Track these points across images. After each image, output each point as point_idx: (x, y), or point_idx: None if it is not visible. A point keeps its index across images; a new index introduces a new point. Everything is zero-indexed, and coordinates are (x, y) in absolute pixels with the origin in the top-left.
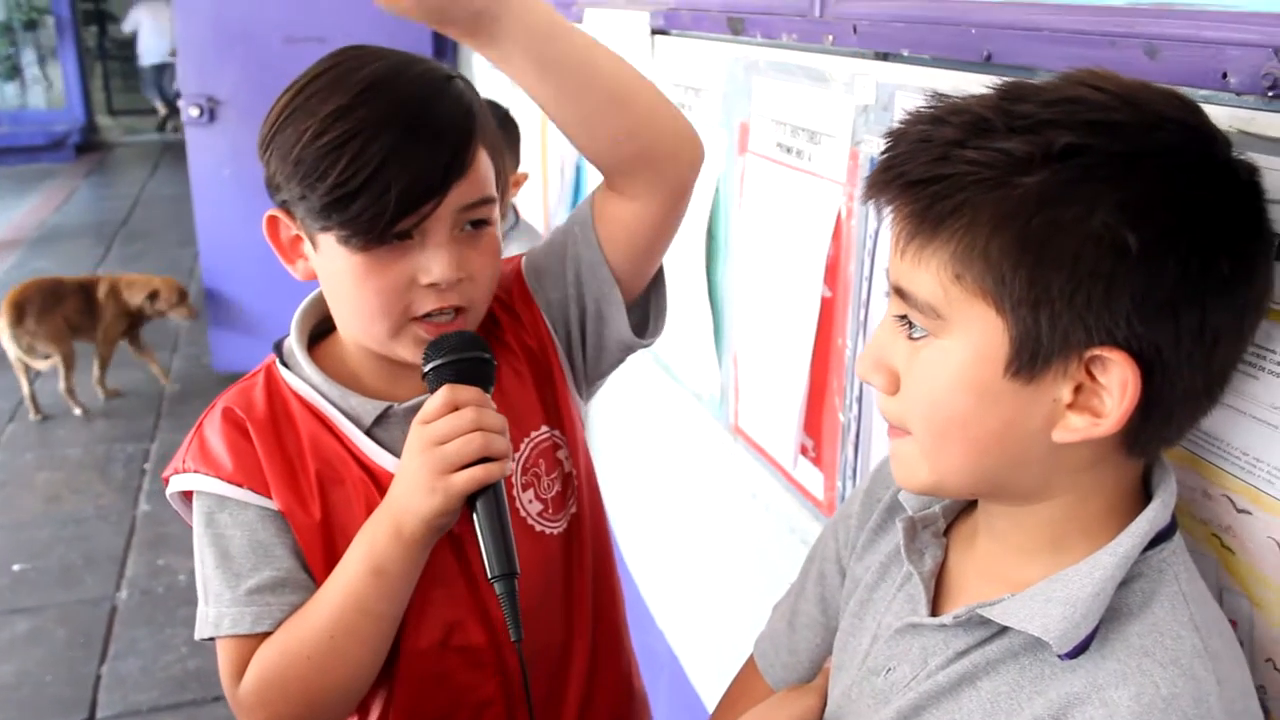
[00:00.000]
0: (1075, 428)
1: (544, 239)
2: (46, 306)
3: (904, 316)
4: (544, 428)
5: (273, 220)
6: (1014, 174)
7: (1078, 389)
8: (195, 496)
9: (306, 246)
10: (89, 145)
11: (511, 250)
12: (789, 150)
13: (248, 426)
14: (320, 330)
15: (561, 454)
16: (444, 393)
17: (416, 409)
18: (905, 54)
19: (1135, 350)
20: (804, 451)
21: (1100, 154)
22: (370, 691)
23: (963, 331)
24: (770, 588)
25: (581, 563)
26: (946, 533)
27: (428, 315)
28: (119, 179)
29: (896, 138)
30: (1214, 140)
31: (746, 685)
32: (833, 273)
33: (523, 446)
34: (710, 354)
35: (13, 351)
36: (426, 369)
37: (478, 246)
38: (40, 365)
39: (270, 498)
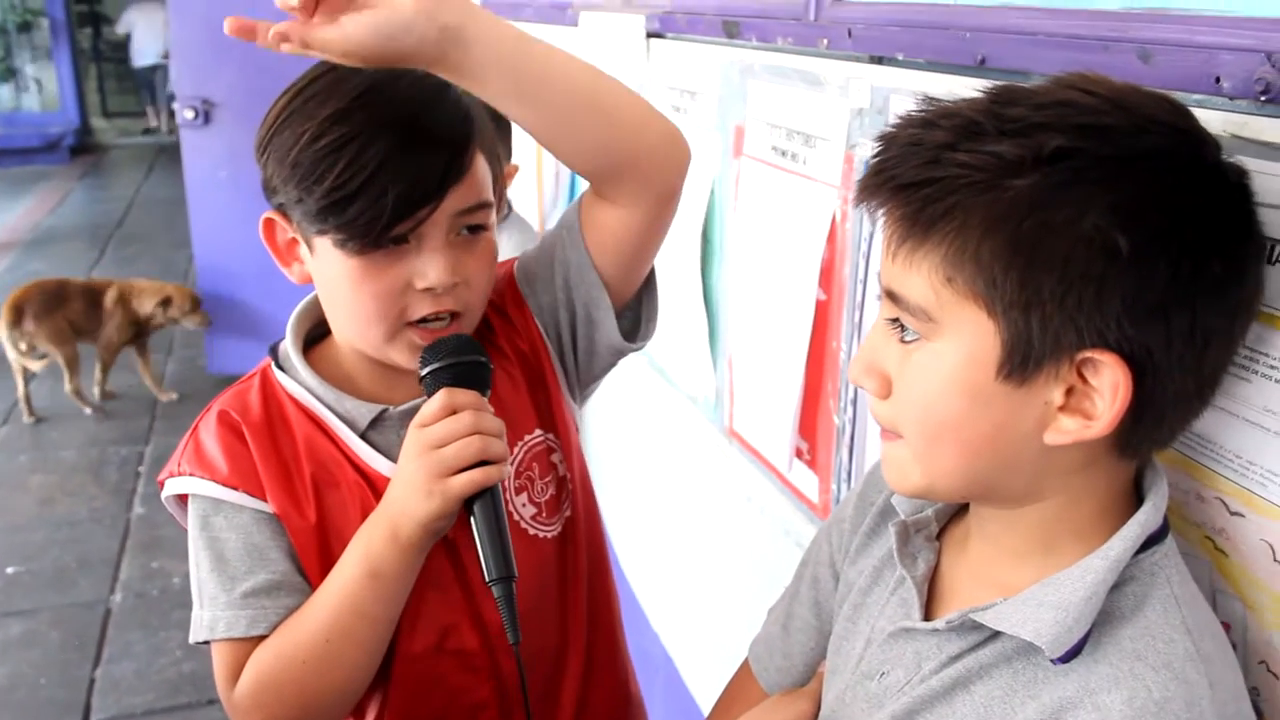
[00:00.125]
0: (1067, 430)
1: (536, 242)
2: (47, 308)
3: (896, 320)
4: (538, 431)
5: (269, 223)
6: (1005, 177)
7: (1069, 391)
8: (190, 499)
9: (303, 250)
10: (83, 147)
11: (503, 241)
12: (784, 154)
13: (243, 429)
14: (316, 334)
15: (555, 458)
16: (441, 396)
17: (412, 412)
18: (900, 58)
19: (1126, 352)
20: (799, 454)
21: (1091, 157)
22: (365, 695)
23: (954, 334)
24: (765, 591)
25: (576, 566)
26: (939, 536)
27: (423, 320)
28: (114, 181)
29: (887, 141)
30: (1203, 143)
31: (741, 689)
32: (827, 276)
33: (516, 450)
34: (705, 357)
35: (10, 353)
36: (424, 373)
37: (474, 251)
38: (34, 366)
39: (265, 501)
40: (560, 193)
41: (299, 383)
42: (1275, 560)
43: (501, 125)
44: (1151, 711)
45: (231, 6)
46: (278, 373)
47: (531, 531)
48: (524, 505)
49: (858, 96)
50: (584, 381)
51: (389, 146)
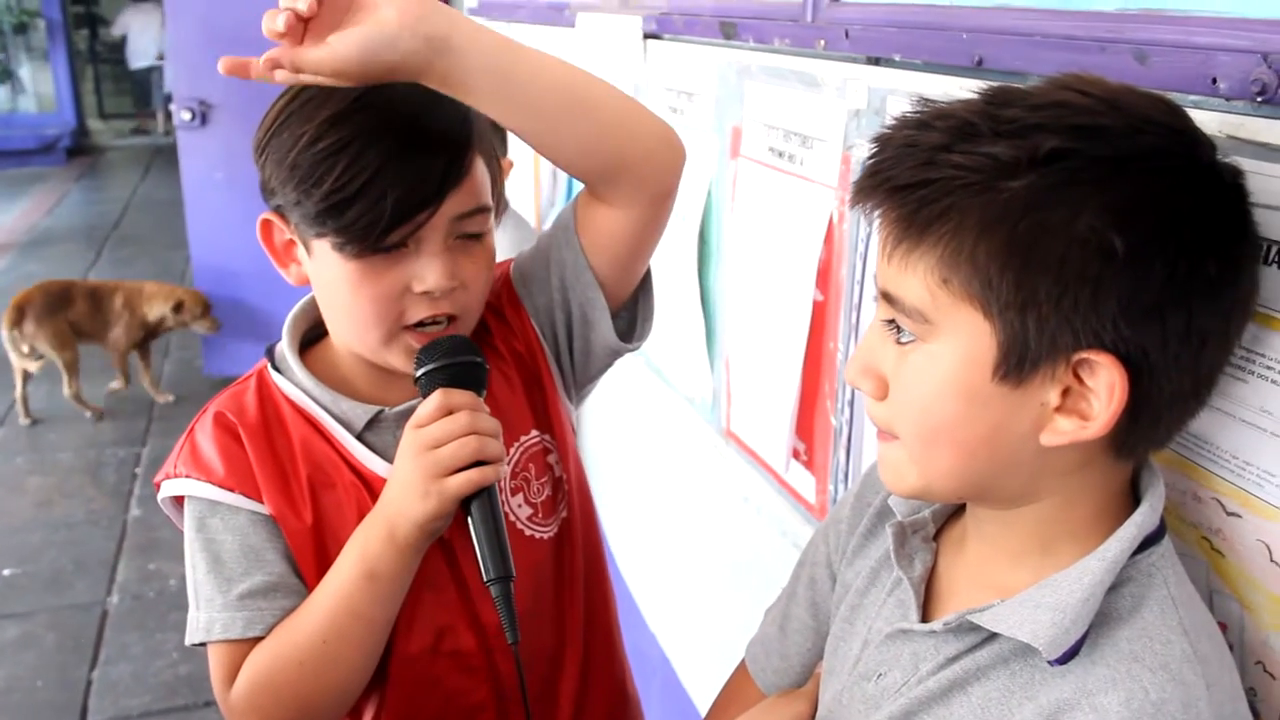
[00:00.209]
0: (1063, 431)
1: (534, 239)
2: (49, 310)
3: (892, 321)
4: (534, 432)
5: (266, 224)
6: (1000, 178)
7: (1065, 392)
8: (186, 501)
9: (300, 251)
10: (80, 149)
11: (500, 237)
12: (781, 155)
13: (239, 431)
14: (312, 335)
15: (551, 458)
16: (438, 397)
17: (408, 413)
18: (897, 59)
19: (1122, 353)
20: (796, 455)
21: (1086, 158)
22: (362, 697)
23: (950, 336)
24: (762, 592)
25: (573, 567)
26: (936, 537)
27: (420, 324)
28: (110, 183)
29: (882, 143)
30: (1199, 144)
31: (738, 689)
32: (824, 277)
33: (513, 451)
34: (702, 358)
35: (11, 354)
36: (419, 373)
37: (471, 255)
38: (31, 367)
39: (262, 502)
40: (557, 189)
41: (295, 384)
42: (1272, 560)
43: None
44: (1149, 713)
45: (227, 8)
46: (274, 374)
47: (528, 532)
48: (520, 506)
49: (855, 97)
50: (580, 382)
51: (388, 150)
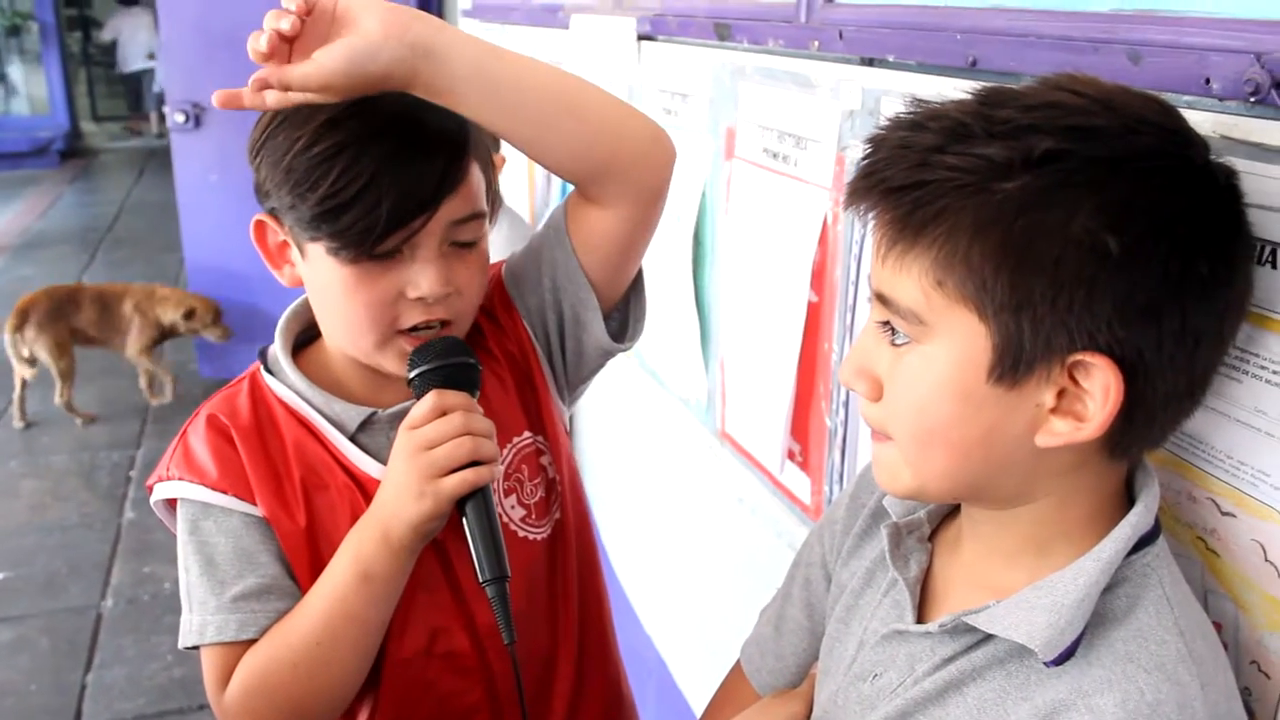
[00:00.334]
0: (1058, 432)
1: (527, 236)
2: (51, 317)
3: (886, 323)
4: (527, 433)
5: (260, 225)
6: (994, 180)
7: (1060, 394)
8: (179, 504)
9: (294, 253)
10: (73, 151)
11: (494, 234)
12: (775, 155)
13: (232, 433)
14: (305, 337)
15: (545, 459)
16: (432, 397)
17: (401, 415)
18: (891, 59)
19: (1117, 354)
20: (791, 456)
21: (1080, 159)
22: (356, 699)
23: (945, 337)
24: (757, 593)
25: (566, 568)
26: (931, 538)
27: (414, 329)
28: (104, 185)
29: (876, 144)
30: (1192, 144)
31: (733, 690)
32: (819, 278)
33: (506, 452)
34: (697, 359)
35: (13, 357)
36: (412, 375)
37: (466, 260)
38: (27, 373)
39: (255, 504)
40: (552, 186)
41: (288, 386)
42: (1267, 560)
43: None
44: (1144, 713)
45: (220, 10)
46: (267, 376)
47: (521, 534)
48: (513, 507)
49: (849, 98)
50: (573, 383)
51: (383, 155)
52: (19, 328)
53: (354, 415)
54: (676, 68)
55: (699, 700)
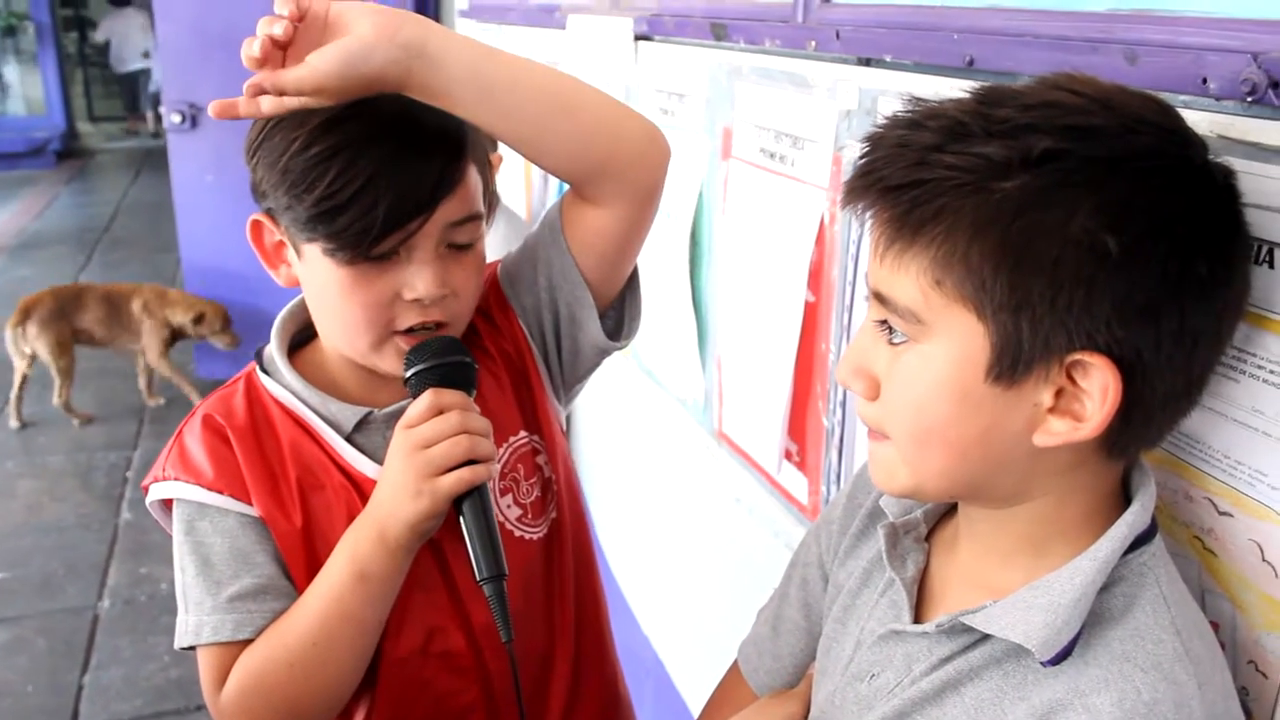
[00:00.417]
0: (1056, 432)
1: (520, 244)
2: (55, 314)
3: (884, 322)
4: (523, 433)
5: (257, 225)
6: (993, 179)
7: (1059, 393)
8: (175, 504)
9: (290, 254)
10: (70, 152)
11: (491, 233)
12: (772, 156)
13: (228, 433)
14: (301, 337)
15: (540, 459)
16: (428, 397)
17: (397, 415)
18: (888, 59)
19: (1116, 354)
20: (788, 456)
21: (1078, 158)
22: (352, 699)
23: (943, 337)
24: (755, 593)
25: (562, 568)
26: (928, 538)
27: (410, 329)
28: (100, 185)
29: (874, 142)
30: (1191, 143)
31: (731, 690)
32: (816, 278)
33: (502, 452)
34: (694, 359)
35: (14, 355)
36: (409, 374)
37: (462, 262)
38: (26, 370)
39: (251, 504)
40: (549, 185)
41: (284, 386)
42: (1264, 559)
43: None
44: (1141, 713)
45: (216, 11)
46: (262, 376)
47: (517, 533)
48: (509, 507)
49: (846, 98)
50: (569, 382)
51: (380, 157)
52: (21, 324)
53: (350, 415)
54: (673, 68)
55: (696, 700)
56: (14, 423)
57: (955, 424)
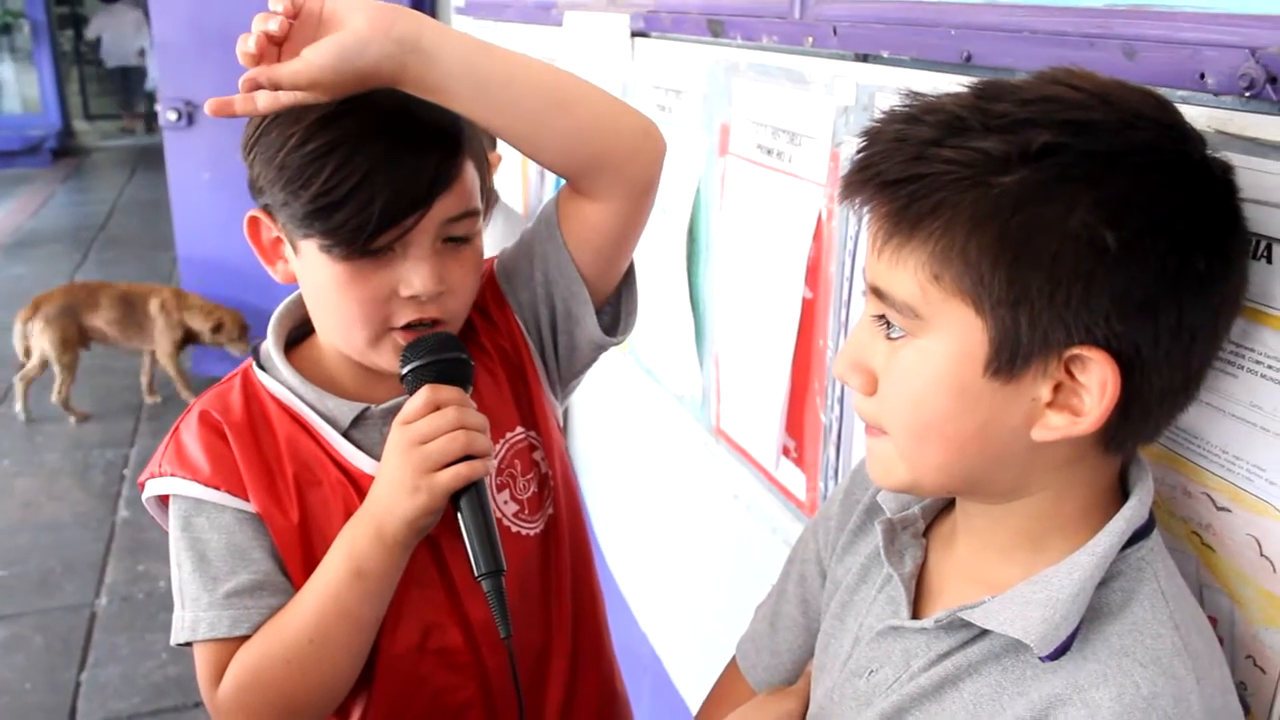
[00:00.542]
0: (1055, 426)
1: (516, 240)
2: (64, 312)
3: (882, 316)
4: (519, 429)
5: (254, 221)
6: (991, 173)
7: (1057, 388)
8: (172, 500)
9: (287, 249)
10: (65, 150)
11: (489, 230)
12: (770, 152)
13: (225, 429)
14: (298, 333)
15: (537, 455)
16: (425, 393)
17: (394, 411)
18: (885, 55)
19: (1114, 349)
20: (786, 452)
21: (1077, 153)
22: (349, 695)
23: (941, 332)
24: (753, 589)
25: (559, 564)
26: (926, 533)
27: (406, 325)
28: (96, 184)
29: (872, 137)
30: (1189, 138)
31: (729, 687)
32: (814, 274)
33: (498, 447)
34: (692, 356)
35: (19, 348)
36: (405, 370)
37: (459, 258)
38: (30, 365)
39: (247, 500)
40: (545, 181)
41: (281, 382)
42: (1262, 555)
43: None
44: (1140, 707)
45: (212, 8)
46: (259, 372)
47: (514, 529)
48: (506, 503)
49: (843, 94)
50: (565, 378)
51: (376, 153)
52: (29, 319)
53: (347, 411)
54: (670, 64)
55: (694, 697)
56: (19, 412)
57: (953, 419)
